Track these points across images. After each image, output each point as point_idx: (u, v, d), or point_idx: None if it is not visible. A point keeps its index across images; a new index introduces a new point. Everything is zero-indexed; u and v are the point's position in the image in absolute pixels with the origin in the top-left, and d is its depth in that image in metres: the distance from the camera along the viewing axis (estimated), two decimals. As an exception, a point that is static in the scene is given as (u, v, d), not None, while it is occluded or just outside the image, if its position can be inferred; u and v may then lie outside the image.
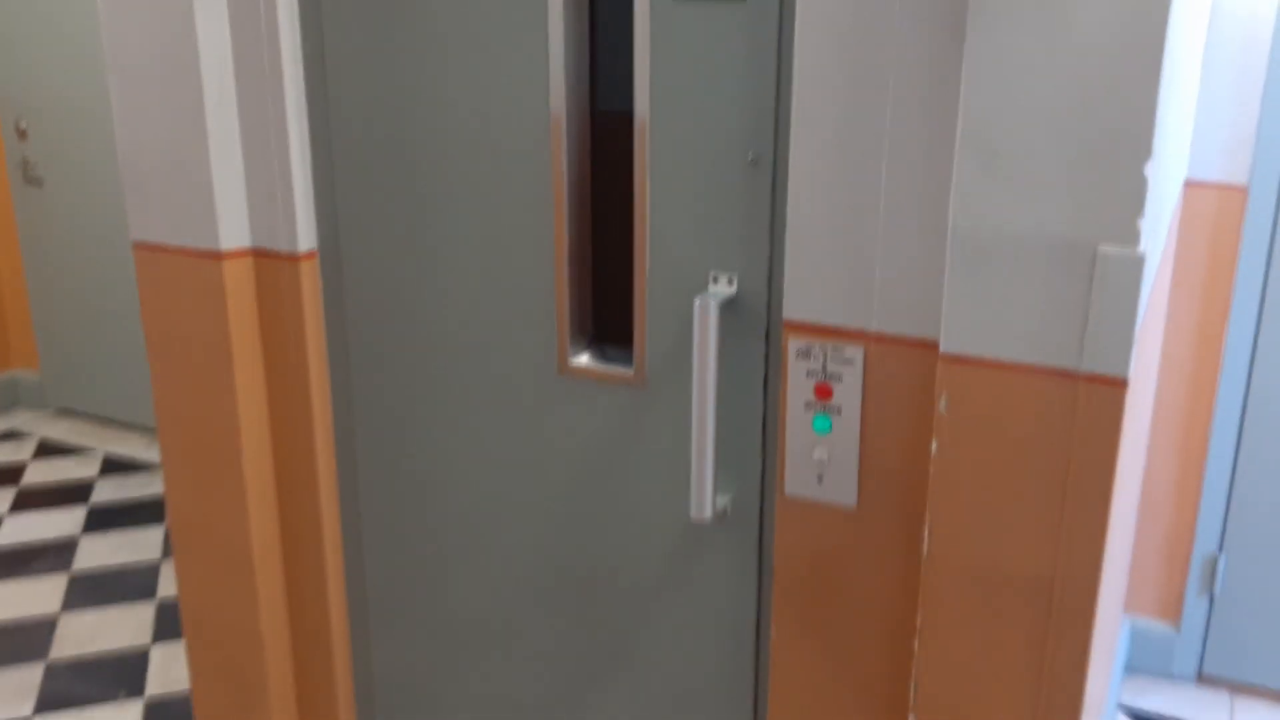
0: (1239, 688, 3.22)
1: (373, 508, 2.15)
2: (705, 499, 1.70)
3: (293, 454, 2.11)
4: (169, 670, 3.26)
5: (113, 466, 4.56)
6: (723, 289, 1.70)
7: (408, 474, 2.09)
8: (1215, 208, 2.92)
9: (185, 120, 1.92)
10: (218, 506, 2.14)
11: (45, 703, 3.12)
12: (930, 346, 1.49)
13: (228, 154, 1.95)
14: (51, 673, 3.26)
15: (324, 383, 2.08)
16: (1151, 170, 1.31)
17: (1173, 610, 3.25)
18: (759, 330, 1.70)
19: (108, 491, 4.36)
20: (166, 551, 3.87)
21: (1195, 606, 3.21)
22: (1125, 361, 1.35)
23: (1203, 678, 3.25)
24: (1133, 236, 1.32)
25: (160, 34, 1.90)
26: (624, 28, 1.69)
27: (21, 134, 4.66)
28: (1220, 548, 3.13)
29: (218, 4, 1.89)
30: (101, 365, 4.83)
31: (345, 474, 2.14)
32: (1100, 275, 1.34)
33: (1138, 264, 1.32)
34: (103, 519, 4.15)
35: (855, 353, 1.57)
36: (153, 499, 4.28)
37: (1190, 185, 2.92)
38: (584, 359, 1.88)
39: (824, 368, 1.59)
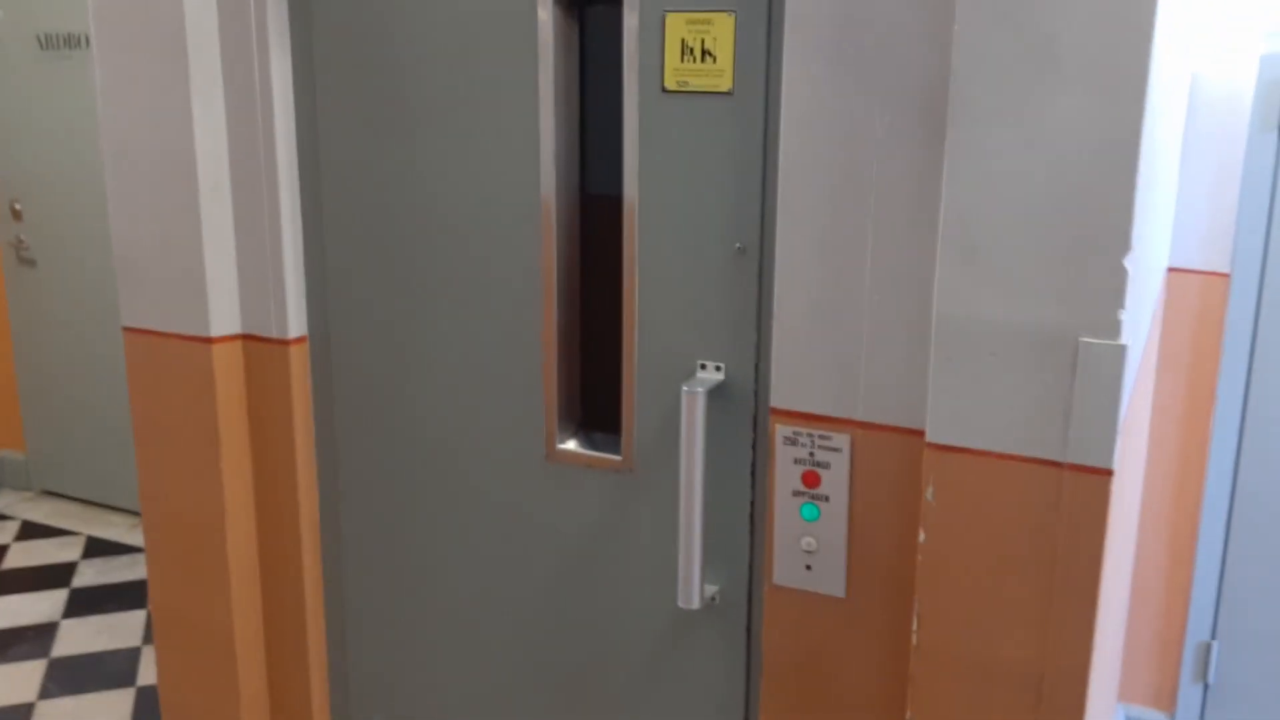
0: (1236, 777, 3.17)
1: (358, 596, 2.13)
2: (693, 587, 1.69)
3: (277, 540, 2.10)
4: (146, 760, 3.18)
5: (96, 549, 4.51)
6: (711, 376, 1.71)
7: (394, 562, 2.08)
8: (1198, 295, 2.95)
9: (179, 208, 1.94)
10: (200, 592, 2.12)
11: (18, 794, 3.04)
12: (917, 435, 1.50)
13: (220, 241, 1.96)
14: (26, 763, 3.18)
15: (310, 469, 2.08)
16: (1131, 263, 1.33)
17: (1167, 699, 3.21)
18: (747, 418, 1.71)
19: (90, 575, 4.31)
20: (148, 637, 3.81)
21: (1190, 694, 3.17)
22: (1110, 452, 1.36)
23: (1199, 767, 3.20)
24: (1114, 328, 1.34)
25: (157, 122, 1.93)
26: (614, 114, 1.72)
27: (16, 214, 4.70)
28: (1213, 635, 3.10)
29: (215, 96, 1.92)
30: (87, 448, 4.80)
31: (330, 561, 2.13)
32: (1083, 366, 1.35)
33: (1120, 355, 1.34)
34: (84, 603, 4.09)
35: (842, 440, 1.57)
36: (135, 583, 4.23)
37: (1173, 272, 2.96)
38: (572, 445, 1.88)
39: (811, 455, 1.60)
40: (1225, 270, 2.92)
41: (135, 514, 4.67)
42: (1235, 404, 2.96)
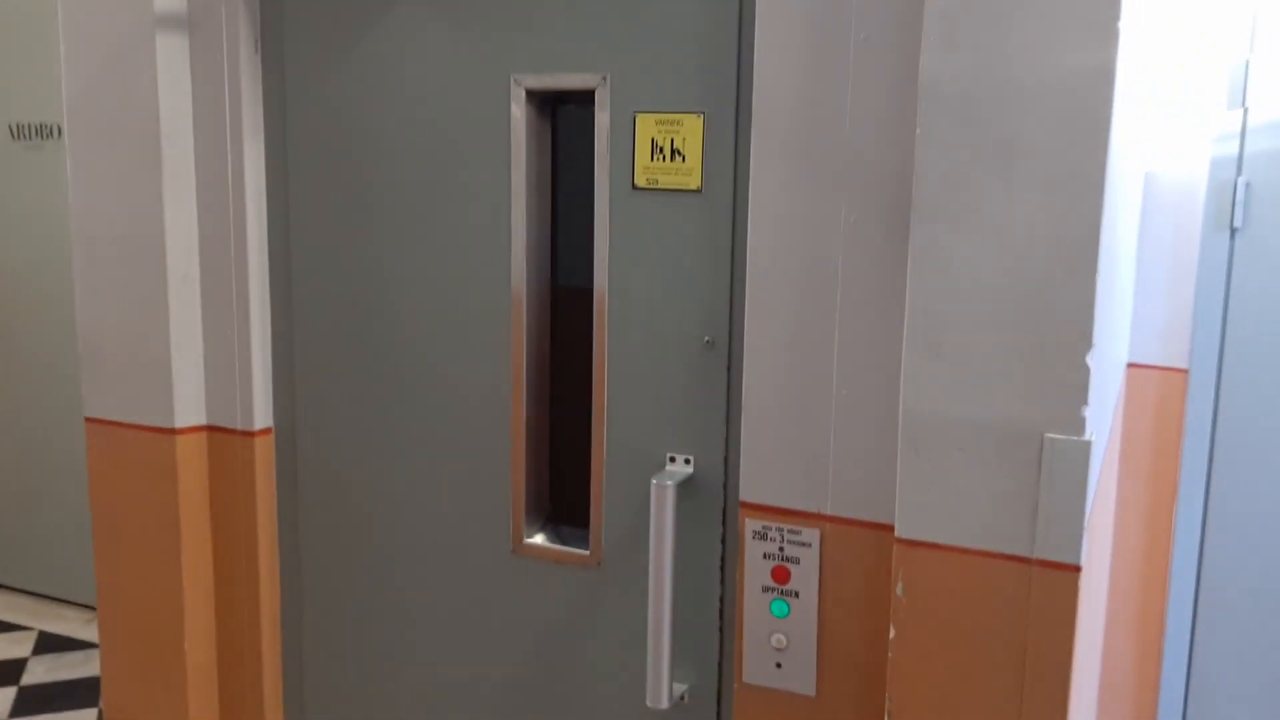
0: None
1: (321, 696, 2.07)
2: (663, 686, 1.67)
3: (237, 637, 2.05)
4: None
5: (48, 645, 4.38)
6: (680, 469, 1.71)
7: (357, 659, 2.03)
8: (1157, 390, 3.00)
9: (148, 298, 1.94)
10: (156, 691, 2.06)
11: None
12: (887, 529, 1.50)
13: (188, 332, 1.96)
14: None
15: (273, 563, 2.04)
16: (1094, 360, 1.35)
17: (1140, 796, 3.17)
18: (716, 511, 1.70)
19: (40, 672, 4.17)
20: (98, 737, 3.68)
21: (1162, 791, 3.13)
22: (1077, 548, 1.36)
23: None
24: (1078, 424, 1.35)
25: (128, 212, 1.93)
26: (585, 209, 1.75)
27: (-26, 304, 4.65)
28: (1183, 730, 3.08)
29: (187, 187, 1.93)
30: (40, 540, 4.70)
31: (291, 660, 2.08)
32: (1048, 462, 1.36)
33: (1085, 451, 1.35)
34: (34, 701, 3.95)
35: (812, 535, 1.57)
36: (88, 680, 4.10)
37: (1132, 367, 3.01)
38: (539, 539, 1.87)
39: (781, 550, 1.59)
40: (1184, 366, 2.97)
41: (90, 608, 4.55)
42: (1197, 498, 2.98)
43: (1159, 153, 2.90)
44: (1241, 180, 2.84)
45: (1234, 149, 2.85)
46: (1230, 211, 2.85)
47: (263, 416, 1.99)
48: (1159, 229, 2.94)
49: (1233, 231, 2.88)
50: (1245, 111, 2.81)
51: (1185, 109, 2.85)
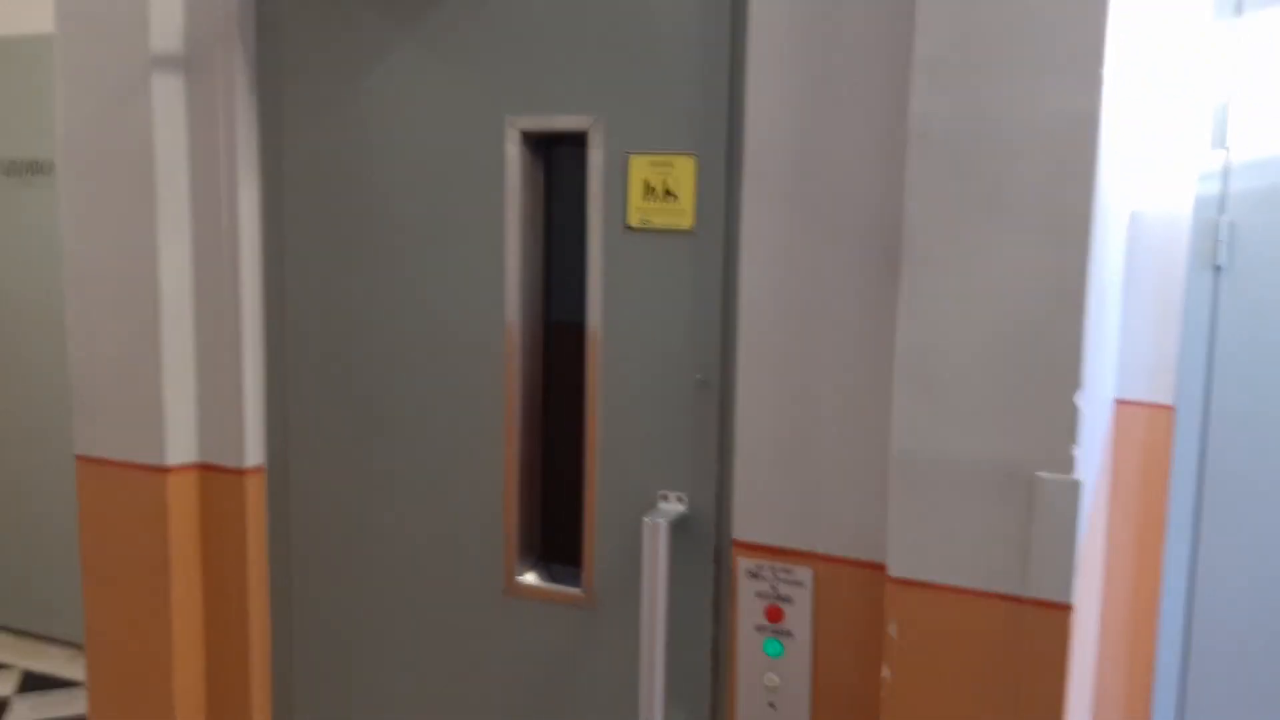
0: None
1: (308, 733, 2.06)
2: (655, 725, 1.66)
3: (226, 677, 2.04)
4: None
5: (32, 684, 4.33)
6: (672, 507, 1.72)
7: (347, 701, 2.02)
8: (1145, 426, 3.01)
9: (140, 335, 1.94)
10: (143, 732, 2.04)
11: None
12: (880, 568, 1.51)
13: (180, 369, 1.96)
14: None
15: (263, 602, 2.03)
16: (1083, 399, 1.37)
17: (1132, 835, 3.16)
18: (708, 550, 1.70)
19: (24, 711, 4.13)
20: (81, 778, 3.64)
21: (1154, 831, 3.12)
22: (1069, 586, 1.37)
23: None
24: (1068, 463, 1.37)
25: (122, 250, 1.94)
26: (578, 247, 1.76)
27: (-37, 338, 4.64)
28: (1175, 768, 3.07)
29: (181, 224, 1.94)
30: (23, 576, 4.66)
31: (280, 702, 2.06)
32: (1039, 501, 1.37)
33: (1075, 490, 1.36)
34: (15, 741, 3.91)
35: (805, 574, 1.58)
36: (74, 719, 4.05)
37: (1119, 404, 3.03)
38: (531, 577, 1.86)
39: (774, 589, 1.59)
40: (1170, 403, 2.99)
41: (74, 645, 4.50)
42: (1185, 534, 3.00)
43: (1143, 192, 2.94)
44: (1225, 219, 2.87)
45: (1217, 188, 2.88)
46: (1214, 250, 2.88)
47: (255, 454, 1.99)
48: (1144, 267, 2.97)
49: (1217, 270, 2.91)
50: (1227, 151, 2.85)
51: (1168, 149, 2.89)
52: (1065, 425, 1.36)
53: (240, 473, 1.98)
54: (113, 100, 1.91)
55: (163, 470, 1.96)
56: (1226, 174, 2.88)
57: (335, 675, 2.02)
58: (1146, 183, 2.94)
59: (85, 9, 1.92)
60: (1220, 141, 2.85)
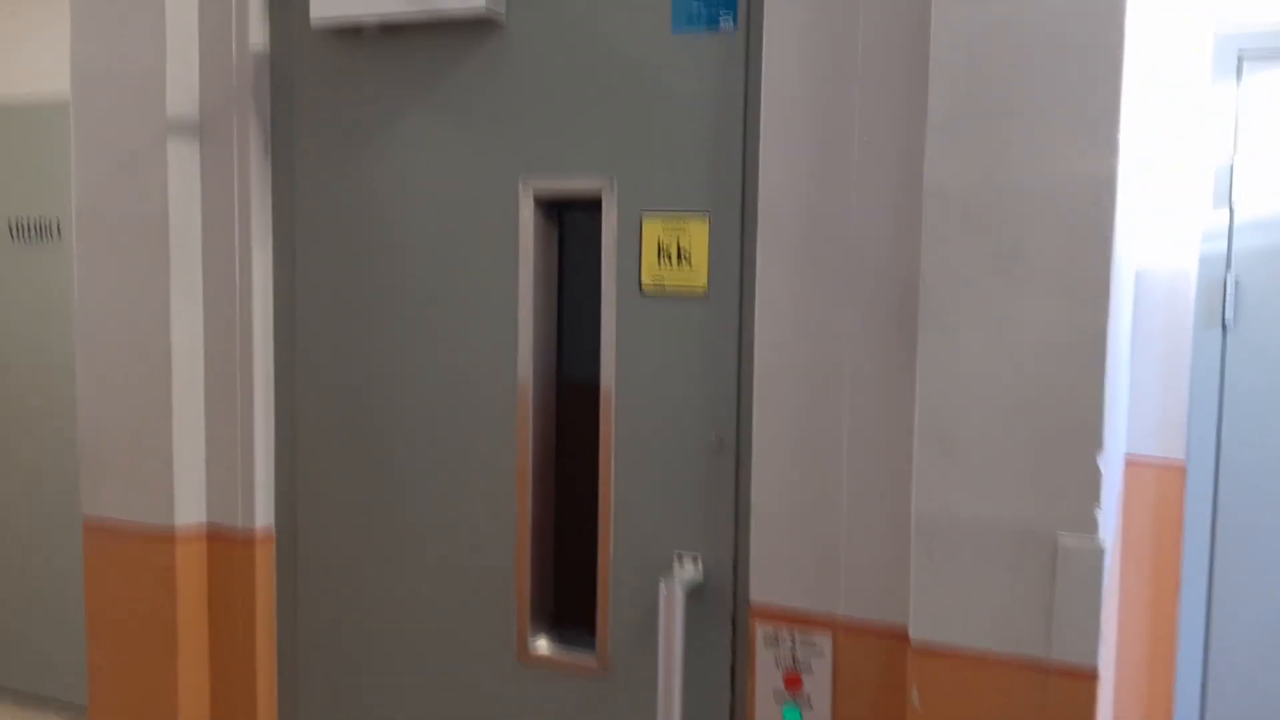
0: None
1: (314, 803, 2.02)
2: (671, 795, 1.63)
3: (232, 743, 2.00)
4: None
5: (27, 748, 4.26)
6: (688, 570, 1.70)
7: (354, 765, 1.98)
8: (1156, 484, 3.00)
9: (151, 397, 1.93)
10: (146, 801, 2.00)
11: None
12: (901, 633, 1.48)
13: (190, 432, 1.95)
14: None
15: (271, 669, 2.00)
16: (1104, 460, 1.36)
17: None
18: (725, 614, 1.68)
19: (19, 776, 4.05)
20: (77, 846, 3.56)
21: None
22: (1094, 651, 1.35)
23: None
24: (1091, 525, 1.35)
25: (134, 312, 1.94)
26: (592, 307, 1.76)
27: (-31, 399, 4.63)
28: (1194, 833, 3.01)
29: (194, 287, 1.94)
30: (24, 638, 4.60)
31: (287, 765, 2.03)
32: (1062, 564, 1.36)
33: (1098, 553, 1.35)
34: (10, 809, 3.83)
35: (824, 640, 1.55)
36: (68, 786, 3.98)
37: (1130, 461, 3.01)
38: (544, 644, 1.84)
39: (793, 655, 1.57)
40: (1181, 459, 2.98)
41: (76, 707, 4.44)
42: (1200, 592, 2.97)
43: (1149, 250, 2.95)
44: (1231, 277, 2.89)
45: (1222, 247, 2.90)
46: (1221, 308, 2.89)
47: (264, 517, 1.97)
48: (1151, 325, 2.98)
49: (1224, 327, 2.91)
50: (1231, 211, 2.87)
51: (1170, 207, 2.91)
52: (1087, 487, 1.35)
53: (249, 535, 1.96)
54: (127, 163, 1.93)
55: (171, 532, 1.94)
56: (1231, 233, 2.90)
57: (343, 742, 1.99)
58: (1151, 241, 2.95)
59: (101, 73, 1.94)
60: (1224, 201, 2.87)
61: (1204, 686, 2.98)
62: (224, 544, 1.98)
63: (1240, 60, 2.84)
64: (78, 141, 1.98)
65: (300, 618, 2.00)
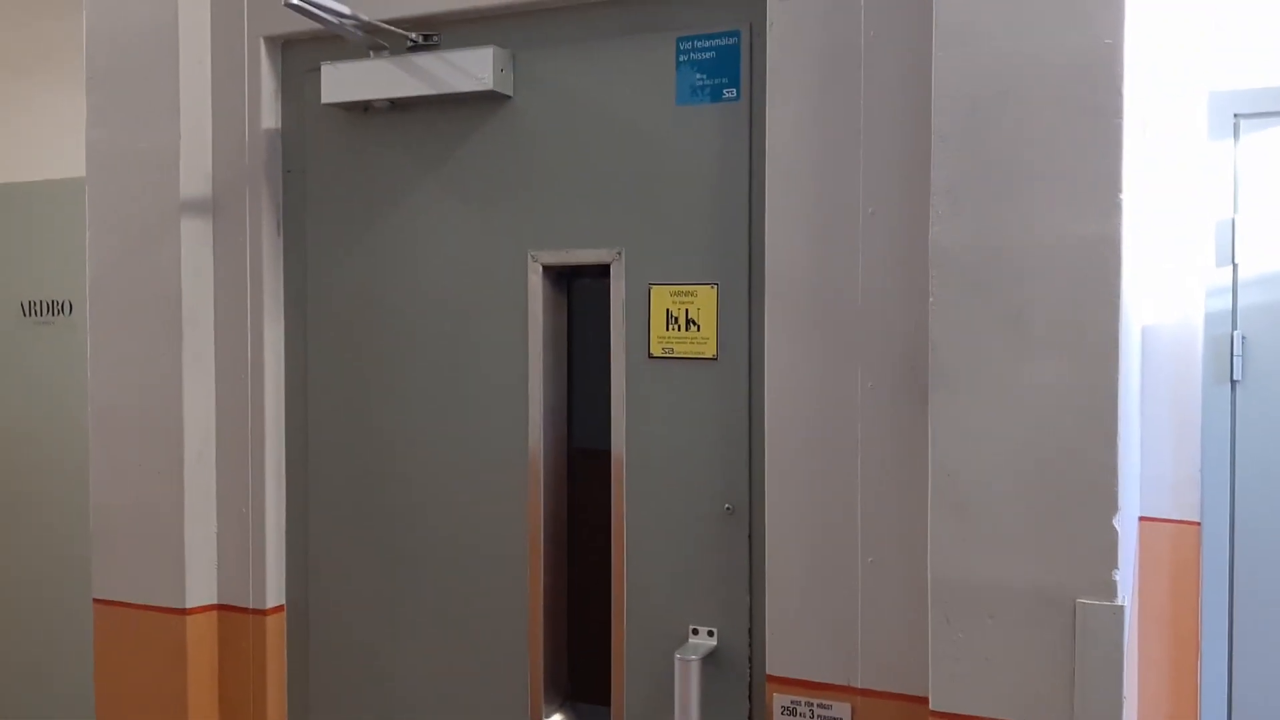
0: None
1: None
2: None
3: (243, 826, 1.97)
4: None
5: (33, 834, 4.18)
6: (703, 642, 1.68)
7: (366, 846, 1.95)
8: (1171, 543, 2.97)
9: (163, 474, 1.94)
10: None
11: None
12: (921, 701, 1.46)
13: (202, 510, 1.95)
14: None
15: (283, 746, 1.98)
16: (1120, 522, 1.35)
17: None
18: (742, 685, 1.66)
19: None
20: None
21: None
22: (1117, 716, 1.33)
23: None
24: (1110, 589, 1.34)
25: (147, 390, 1.95)
26: (601, 374, 1.77)
27: (-22, 478, 4.62)
28: None
29: (206, 365, 1.96)
30: (36, 717, 4.55)
31: None
32: (1082, 628, 1.34)
33: (1119, 616, 1.33)
34: None
35: (843, 709, 1.53)
36: None
37: (1144, 521, 2.99)
38: (558, 719, 1.81)
39: (811, 725, 1.55)
40: (1195, 519, 2.95)
41: (78, 793, 4.36)
42: (1221, 652, 2.93)
43: (1153, 308, 2.96)
44: (1237, 334, 2.89)
45: (1227, 303, 2.91)
46: (1230, 364, 2.89)
47: (275, 594, 1.96)
48: (1159, 383, 2.97)
49: (1233, 384, 2.91)
50: (1235, 268, 2.88)
51: (1175, 266, 2.92)
52: (1104, 550, 1.34)
53: (261, 613, 1.95)
54: (141, 241, 1.95)
55: (182, 612, 1.93)
56: (1236, 289, 2.91)
57: (355, 823, 1.95)
58: (1156, 299, 2.96)
59: (116, 153, 1.97)
60: (1227, 258, 2.89)
61: (1230, 750, 2.92)
62: (235, 622, 1.96)
63: (1236, 120, 2.87)
64: (92, 220, 2.01)
65: (311, 694, 1.98)
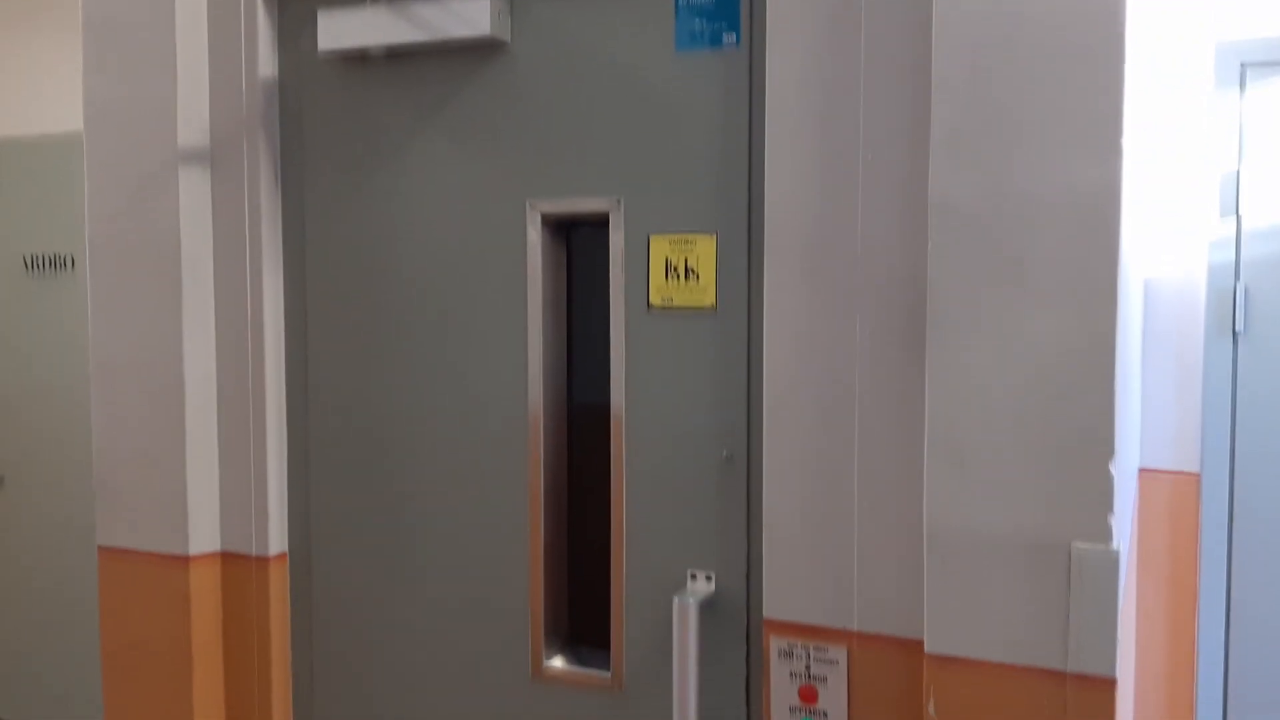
0: None
1: (332, 828, 2.02)
2: (689, 813, 1.62)
3: (249, 769, 2.00)
4: None
5: (44, 782, 4.25)
6: (701, 587, 1.70)
7: (371, 789, 1.98)
8: (1171, 494, 2.99)
9: (165, 426, 1.95)
10: (164, 829, 2.00)
11: None
12: (916, 645, 1.48)
13: (204, 460, 1.96)
14: None
15: (286, 692, 2.00)
16: (1116, 468, 1.36)
17: None
18: (739, 630, 1.68)
19: (36, 810, 4.05)
20: None
21: None
22: (1112, 659, 1.35)
23: None
24: (1105, 533, 1.35)
25: (147, 343, 1.95)
26: (600, 328, 1.77)
27: (-16, 432, 4.65)
28: (1219, 847, 2.98)
29: (206, 317, 1.96)
30: (41, 671, 4.61)
31: (304, 791, 2.02)
32: (1077, 573, 1.35)
33: (1114, 560, 1.34)
34: (28, 843, 3.82)
35: (839, 653, 1.55)
36: (85, 818, 3.97)
37: (1144, 472, 3.00)
38: (558, 662, 1.84)
39: (807, 669, 1.57)
40: (1195, 470, 2.96)
41: (88, 742, 4.43)
42: (1218, 602, 2.95)
43: (1156, 260, 2.95)
44: (1240, 285, 2.88)
45: (1230, 255, 2.90)
46: (1232, 316, 2.88)
47: (278, 542, 1.98)
48: (1162, 335, 2.97)
49: (1235, 336, 2.91)
50: (1239, 219, 2.87)
51: (1178, 217, 2.91)
52: (1100, 495, 1.35)
53: (263, 561, 1.96)
54: (139, 193, 1.95)
55: (185, 560, 1.94)
56: (1239, 241, 2.90)
57: (360, 767, 1.99)
58: (1159, 251, 2.95)
59: (112, 105, 1.96)
60: (1231, 209, 2.87)
61: (1225, 696, 2.95)
62: (238, 570, 1.98)
63: (1243, 70, 2.85)
64: (90, 173, 2.00)
65: (315, 640, 2.00)
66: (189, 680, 1.97)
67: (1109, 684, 1.35)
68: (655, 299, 1.72)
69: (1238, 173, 2.84)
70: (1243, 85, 2.85)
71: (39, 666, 4.63)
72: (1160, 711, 3.02)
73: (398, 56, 1.86)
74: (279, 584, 1.99)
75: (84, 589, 4.06)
